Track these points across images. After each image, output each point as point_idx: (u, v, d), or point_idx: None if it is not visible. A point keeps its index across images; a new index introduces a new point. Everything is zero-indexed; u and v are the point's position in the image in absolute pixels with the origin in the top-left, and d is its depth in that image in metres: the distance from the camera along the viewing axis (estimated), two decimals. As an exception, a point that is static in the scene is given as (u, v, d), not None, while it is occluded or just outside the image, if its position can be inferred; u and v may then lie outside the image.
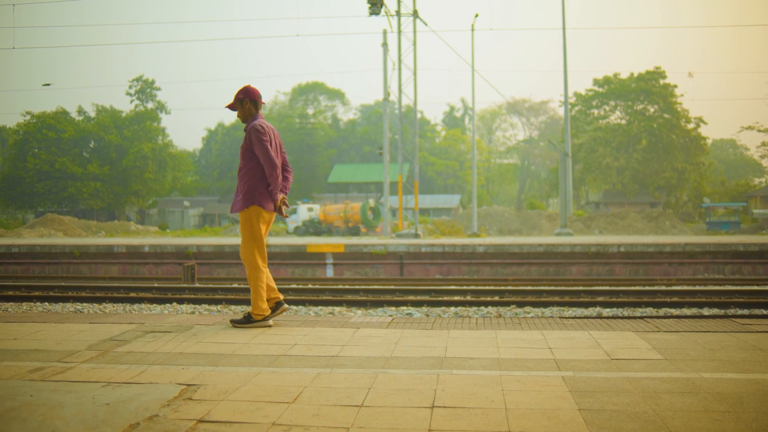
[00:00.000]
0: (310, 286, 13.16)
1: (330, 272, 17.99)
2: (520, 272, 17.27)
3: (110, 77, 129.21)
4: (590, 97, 55.27)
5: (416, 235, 23.97)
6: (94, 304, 10.48)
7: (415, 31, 26.76)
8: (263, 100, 5.16)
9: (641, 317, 8.20)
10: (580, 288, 11.81)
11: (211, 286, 12.52)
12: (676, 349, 4.04)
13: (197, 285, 12.58)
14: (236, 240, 23.53)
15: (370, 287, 12.11)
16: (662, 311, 9.43)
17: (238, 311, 9.84)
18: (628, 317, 8.74)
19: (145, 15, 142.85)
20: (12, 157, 54.47)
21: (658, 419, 2.65)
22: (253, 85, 5.08)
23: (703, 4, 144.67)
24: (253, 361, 3.79)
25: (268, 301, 5.07)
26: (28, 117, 54.91)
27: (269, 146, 4.87)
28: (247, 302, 10.49)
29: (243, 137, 5.02)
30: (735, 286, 12.55)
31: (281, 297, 5.14)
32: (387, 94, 27.31)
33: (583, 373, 3.45)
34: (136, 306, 10.32)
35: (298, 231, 36.16)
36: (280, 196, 4.98)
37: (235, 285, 13.09)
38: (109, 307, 10.29)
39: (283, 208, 5.01)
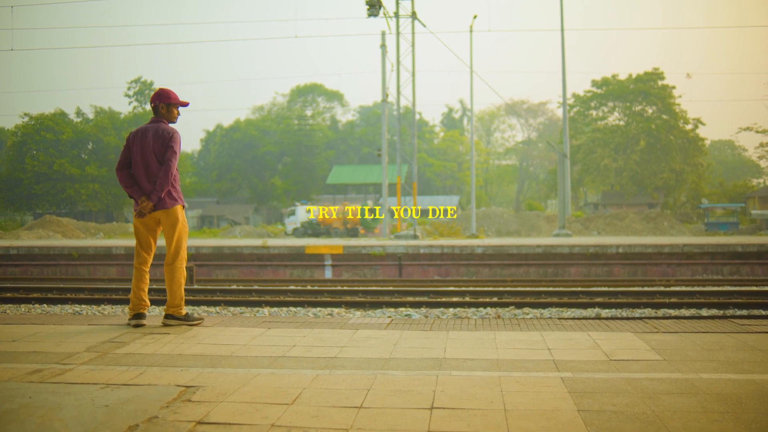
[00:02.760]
0: (308, 287, 13.16)
1: (329, 273, 17.98)
2: (518, 273, 17.27)
3: (108, 79, 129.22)
4: (588, 99, 55.30)
5: (415, 237, 23.97)
6: (93, 306, 10.48)
7: (413, 33, 26.79)
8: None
9: (640, 318, 8.21)
10: (579, 289, 11.81)
11: (209, 287, 12.52)
12: (675, 349, 4.04)
13: (196, 286, 12.57)
14: (235, 242, 23.55)
15: (369, 288, 12.11)
16: (661, 312, 9.44)
17: (237, 312, 9.84)
18: (627, 318, 8.75)
19: (143, 17, 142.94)
20: (10, 158, 54.43)
21: (658, 420, 2.65)
22: (165, 90, 5.19)
23: (702, 6, 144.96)
24: (252, 362, 3.79)
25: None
26: (26, 119, 54.94)
27: (122, 153, 5.11)
28: (246, 303, 10.49)
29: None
30: (733, 287, 12.57)
31: (143, 309, 5.16)
32: (385, 95, 27.33)
33: (582, 374, 3.45)
34: (134, 308, 10.31)
35: (296, 232, 36.14)
36: (141, 198, 5.02)
37: (234, 286, 13.08)
38: (107, 308, 10.28)
39: (135, 209, 5.10)
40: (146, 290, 5.14)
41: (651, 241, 19.93)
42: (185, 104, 5.23)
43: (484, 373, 3.48)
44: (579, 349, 4.11)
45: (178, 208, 5.10)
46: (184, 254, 5.15)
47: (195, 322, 5.12)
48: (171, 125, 5.15)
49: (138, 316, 5.09)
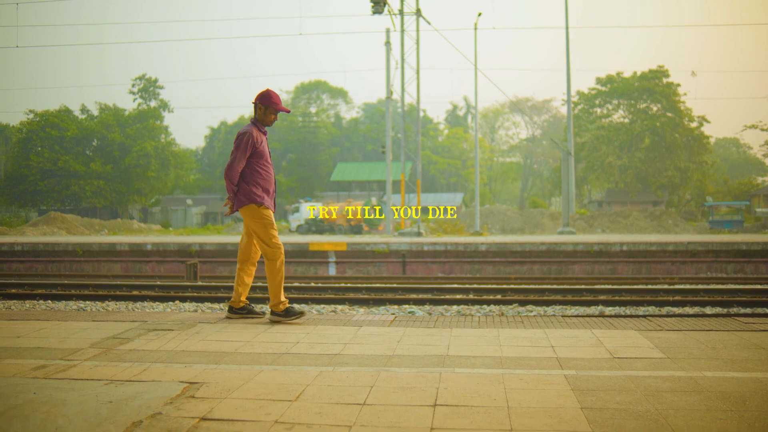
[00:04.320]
0: (312, 284, 13.16)
1: (332, 270, 17.99)
2: (522, 271, 17.25)
3: (113, 76, 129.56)
4: (593, 96, 55.16)
5: (418, 234, 23.96)
6: (97, 302, 10.50)
7: (418, 30, 26.74)
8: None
9: (644, 316, 8.20)
10: (583, 286, 11.79)
11: (213, 284, 12.53)
12: (679, 347, 4.03)
13: (200, 283, 12.59)
14: (239, 239, 23.55)
15: (373, 285, 12.11)
16: (665, 310, 9.42)
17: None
18: (631, 316, 8.73)
19: (146, 14, 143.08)
20: (15, 155, 54.56)
21: (661, 418, 2.64)
22: (269, 91, 5.18)
23: (707, 3, 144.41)
24: (256, 359, 3.80)
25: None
26: (31, 115, 55.00)
27: None
28: (249, 300, 10.49)
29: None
30: (738, 285, 12.53)
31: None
32: (390, 92, 27.30)
33: (586, 371, 3.45)
34: (138, 304, 10.33)
35: (300, 229, 36.17)
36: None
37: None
38: (111, 305, 10.31)
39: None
40: (238, 285, 5.28)
41: (655, 239, 19.88)
42: (286, 111, 5.22)
43: (487, 371, 3.48)
44: (582, 346, 4.10)
45: (250, 207, 5.09)
46: (268, 251, 5.12)
47: (294, 318, 5.09)
48: (252, 127, 5.11)
49: (229, 309, 5.36)
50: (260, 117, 5.17)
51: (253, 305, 5.55)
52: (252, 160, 5.09)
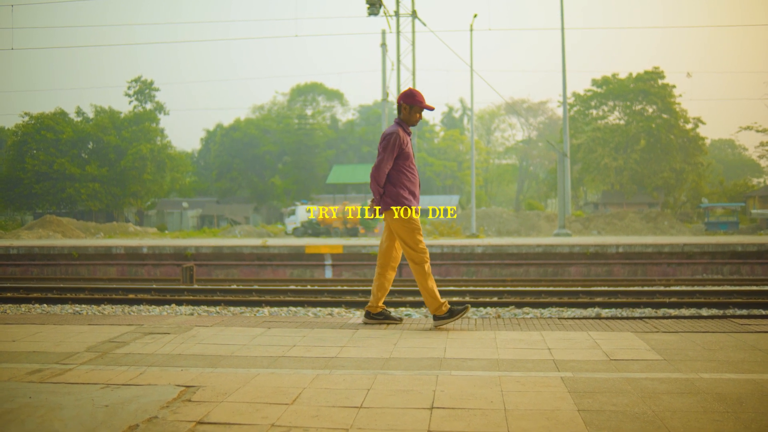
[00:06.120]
0: (308, 287, 13.16)
1: (329, 273, 17.98)
2: (518, 273, 17.27)
3: (109, 78, 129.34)
4: (589, 98, 55.29)
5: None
6: (93, 306, 10.47)
7: (413, 32, 26.80)
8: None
9: (640, 318, 8.21)
10: (579, 288, 11.81)
11: (209, 287, 12.52)
12: (675, 349, 4.04)
13: (196, 286, 12.57)
14: (235, 242, 23.53)
15: (369, 288, 12.09)
16: (661, 312, 9.44)
17: (237, 312, 9.84)
18: (627, 318, 8.74)
19: (143, 16, 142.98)
20: (10, 158, 54.39)
21: (657, 420, 2.65)
22: (412, 90, 5.08)
23: (702, 5, 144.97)
24: (252, 362, 3.79)
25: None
26: (26, 118, 54.85)
27: None
28: (246, 303, 10.48)
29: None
30: (733, 287, 12.56)
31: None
32: (386, 94, 27.31)
33: (582, 373, 3.45)
34: (134, 307, 10.31)
35: (296, 232, 36.12)
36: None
37: (234, 286, 13.07)
38: (107, 308, 10.28)
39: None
40: (377, 290, 5.13)
41: (651, 241, 19.93)
42: (430, 108, 5.08)
43: (484, 373, 3.48)
44: (579, 348, 4.11)
45: (393, 210, 5.02)
46: (414, 256, 5.03)
47: (459, 315, 4.95)
48: (397, 127, 5.00)
49: (366, 314, 5.20)
50: (405, 117, 5.06)
51: (390, 310, 5.39)
52: (398, 161, 4.99)
